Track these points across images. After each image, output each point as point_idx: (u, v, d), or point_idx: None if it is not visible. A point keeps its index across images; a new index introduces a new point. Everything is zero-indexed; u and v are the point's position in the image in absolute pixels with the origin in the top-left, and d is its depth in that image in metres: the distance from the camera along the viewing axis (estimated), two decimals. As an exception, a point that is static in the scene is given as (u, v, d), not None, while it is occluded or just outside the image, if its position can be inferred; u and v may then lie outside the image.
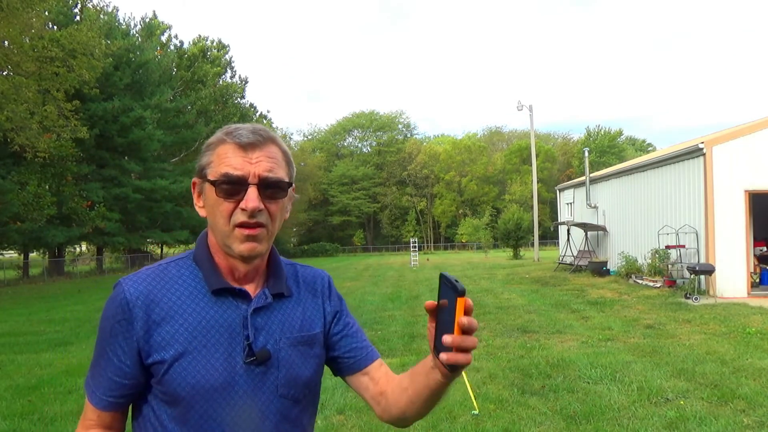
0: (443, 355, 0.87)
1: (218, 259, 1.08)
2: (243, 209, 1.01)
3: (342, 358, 1.20)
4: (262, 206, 1.02)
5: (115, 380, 1.02)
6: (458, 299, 0.85)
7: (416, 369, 1.07)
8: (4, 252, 35.58)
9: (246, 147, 1.04)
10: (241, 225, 1.02)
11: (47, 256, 33.78)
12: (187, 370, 1.00)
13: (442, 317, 0.90)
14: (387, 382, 1.18)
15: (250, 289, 1.09)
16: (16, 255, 37.59)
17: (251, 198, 1.01)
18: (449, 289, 0.87)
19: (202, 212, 1.09)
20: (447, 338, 0.85)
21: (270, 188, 1.04)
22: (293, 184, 1.10)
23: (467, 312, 0.85)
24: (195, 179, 1.10)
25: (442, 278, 0.91)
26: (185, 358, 1.00)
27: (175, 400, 1.01)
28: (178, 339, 1.01)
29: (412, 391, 1.07)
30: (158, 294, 1.03)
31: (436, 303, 0.92)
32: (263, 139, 1.05)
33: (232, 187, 1.02)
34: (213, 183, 1.03)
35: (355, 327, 1.24)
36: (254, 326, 1.06)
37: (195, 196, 1.11)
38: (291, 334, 1.10)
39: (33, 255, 35.35)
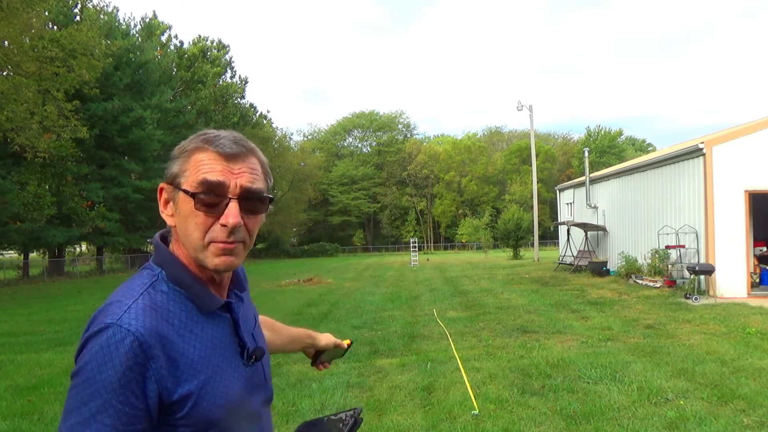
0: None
1: (197, 273, 1.03)
2: (223, 225, 0.97)
3: None
4: (242, 222, 0.99)
5: (127, 430, 0.90)
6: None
7: (291, 343, 1.55)
8: (4, 252, 35.58)
9: (229, 157, 0.99)
10: (217, 239, 0.98)
11: (47, 256, 33.78)
12: (214, 394, 0.98)
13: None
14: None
15: (224, 293, 1.09)
16: (16, 255, 37.58)
17: (233, 213, 0.97)
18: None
19: (170, 221, 1.03)
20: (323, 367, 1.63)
21: (251, 201, 1.01)
22: (272, 198, 1.08)
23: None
24: (164, 185, 1.03)
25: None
26: (210, 383, 0.98)
27: (207, 426, 0.97)
28: (197, 367, 0.97)
29: (279, 345, 1.51)
30: (163, 327, 0.94)
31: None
32: (246, 150, 1.02)
33: (213, 199, 0.97)
34: (191, 194, 0.97)
35: None
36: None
37: (161, 203, 1.03)
38: (253, 324, 1.17)
39: (33, 255, 35.35)
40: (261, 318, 1.41)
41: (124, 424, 0.90)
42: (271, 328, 1.48)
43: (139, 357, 0.90)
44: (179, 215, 1.00)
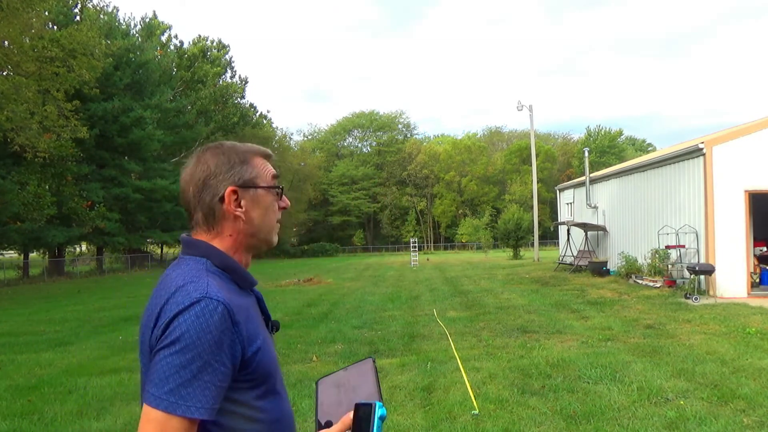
0: None
1: (240, 260, 1.23)
2: (283, 207, 1.27)
3: None
4: None
5: (222, 387, 1.05)
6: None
7: None
8: (4, 252, 35.58)
9: (269, 158, 1.28)
10: (279, 220, 1.27)
11: (47, 256, 33.79)
12: (267, 350, 1.15)
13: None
14: None
15: None
16: (16, 255, 37.58)
17: (286, 198, 1.28)
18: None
19: (239, 215, 1.20)
20: None
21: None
22: None
23: None
24: (235, 188, 1.19)
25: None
26: (265, 342, 1.16)
27: (264, 378, 1.14)
28: (258, 329, 1.16)
29: None
30: (234, 299, 1.11)
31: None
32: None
33: (279, 190, 1.26)
34: (271, 188, 1.24)
35: None
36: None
37: (234, 203, 1.19)
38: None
39: (33, 255, 35.35)
40: None
41: (220, 380, 1.04)
42: None
43: (229, 322, 1.06)
44: (258, 208, 1.22)
